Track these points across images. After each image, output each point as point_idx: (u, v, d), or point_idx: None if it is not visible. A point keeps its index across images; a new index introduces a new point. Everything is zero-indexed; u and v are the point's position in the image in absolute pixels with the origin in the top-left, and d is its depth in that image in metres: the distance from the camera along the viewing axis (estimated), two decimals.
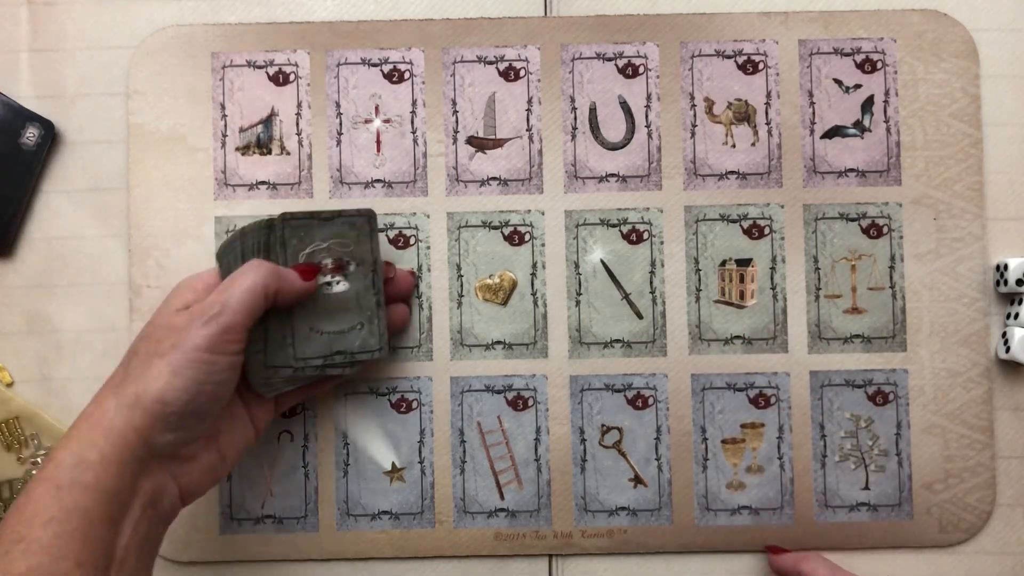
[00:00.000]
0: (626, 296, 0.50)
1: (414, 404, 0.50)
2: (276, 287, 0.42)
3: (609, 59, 0.51)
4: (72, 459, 0.37)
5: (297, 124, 0.51)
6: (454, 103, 0.51)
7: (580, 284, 0.51)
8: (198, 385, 0.39)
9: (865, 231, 0.51)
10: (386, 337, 0.45)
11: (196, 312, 0.40)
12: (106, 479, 0.37)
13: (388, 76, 0.51)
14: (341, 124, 0.51)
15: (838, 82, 0.51)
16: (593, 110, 0.51)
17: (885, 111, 0.51)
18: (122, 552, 0.38)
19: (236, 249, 0.45)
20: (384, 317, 0.45)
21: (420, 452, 0.50)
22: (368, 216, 0.45)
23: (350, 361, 0.45)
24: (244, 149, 0.51)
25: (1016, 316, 0.49)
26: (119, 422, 0.38)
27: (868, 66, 0.51)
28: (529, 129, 0.51)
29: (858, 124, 0.51)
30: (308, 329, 0.44)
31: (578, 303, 0.50)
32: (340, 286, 0.45)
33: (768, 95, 0.51)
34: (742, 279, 0.51)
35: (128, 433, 0.38)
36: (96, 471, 0.37)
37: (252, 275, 0.41)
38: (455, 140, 0.51)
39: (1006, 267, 0.49)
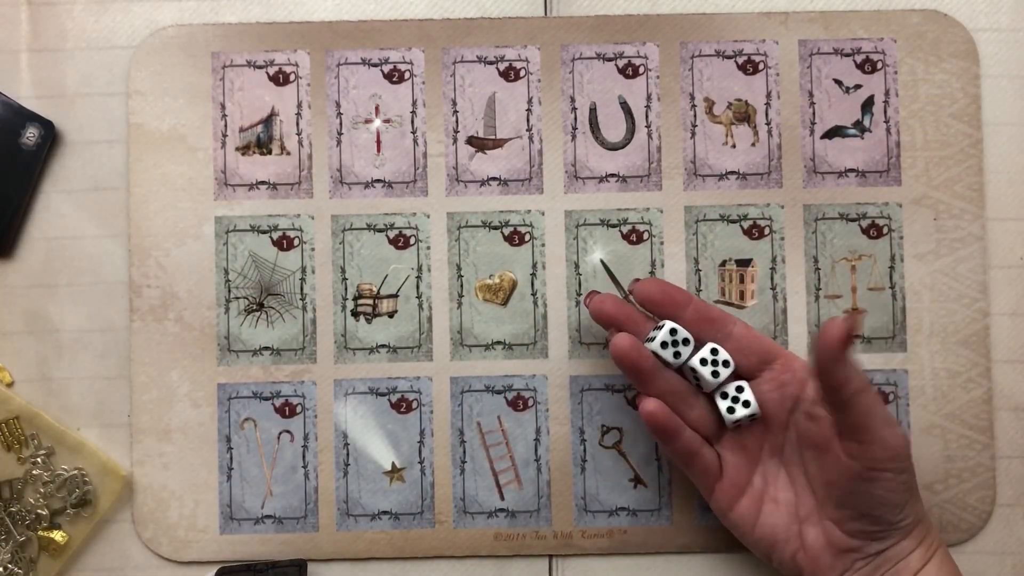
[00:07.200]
0: (626, 296, 0.50)
1: (414, 404, 0.50)
2: None
3: (609, 59, 0.51)
4: None
5: (297, 124, 0.51)
6: (454, 103, 0.51)
7: (580, 284, 0.51)
8: None
9: (865, 231, 0.51)
10: None
11: None
12: None
13: (388, 76, 0.51)
14: (341, 124, 0.51)
15: (838, 82, 0.51)
16: (593, 110, 0.51)
17: (885, 111, 0.51)
18: None
19: None
20: None
21: (420, 452, 0.50)
22: (299, 566, 0.48)
23: None
24: (244, 149, 0.51)
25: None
26: None
27: (868, 66, 0.51)
28: (529, 129, 0.51)
29: (858, 124, 0.51)
30: None
31: (578, 303, 0.50)
32: None
33: (768, 95, 0.51)
34: (742, 279, 0.51)
35: None
36: None
37: None
38: (455, 140, 0.51)
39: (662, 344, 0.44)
